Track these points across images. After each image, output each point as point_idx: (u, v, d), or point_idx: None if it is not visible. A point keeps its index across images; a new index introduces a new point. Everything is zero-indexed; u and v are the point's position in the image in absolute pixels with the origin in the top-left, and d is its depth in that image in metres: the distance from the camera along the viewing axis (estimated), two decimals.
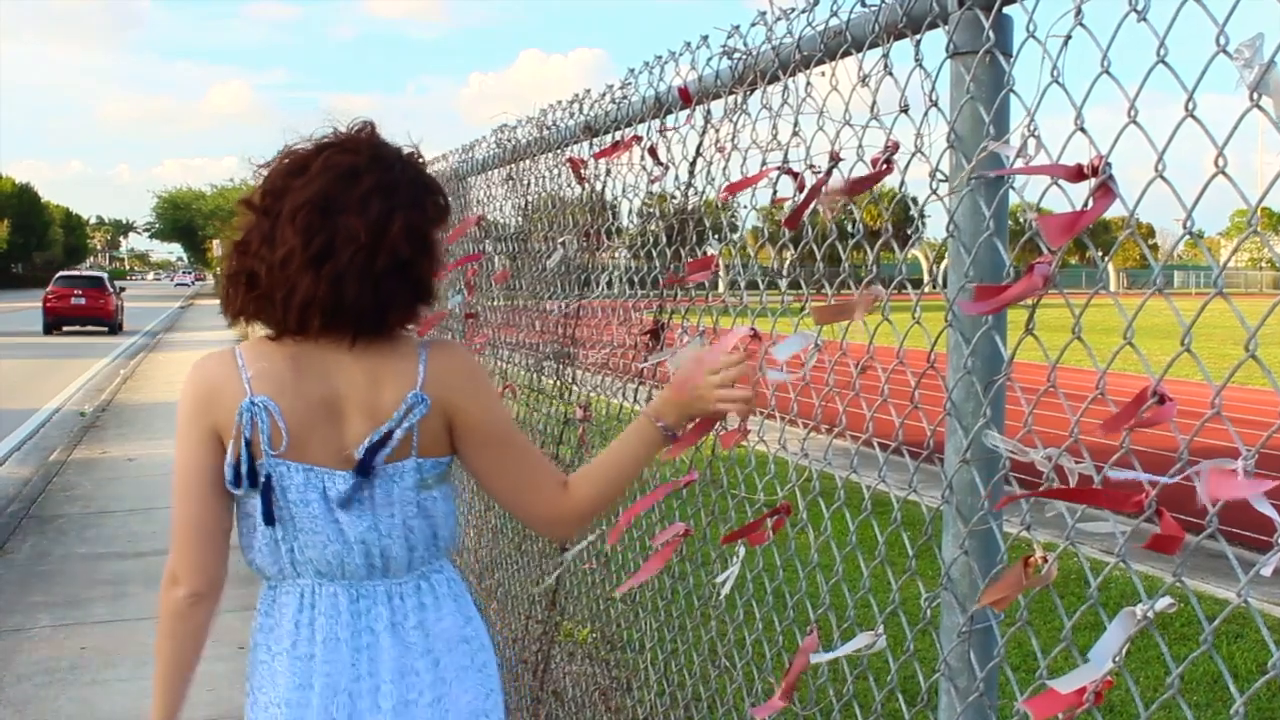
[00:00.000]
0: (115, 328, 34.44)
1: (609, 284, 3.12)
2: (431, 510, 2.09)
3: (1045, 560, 1.43)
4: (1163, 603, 1.28)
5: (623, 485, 2.16)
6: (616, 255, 3.21)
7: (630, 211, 3.06)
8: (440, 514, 2.11)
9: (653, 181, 2.76)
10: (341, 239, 1.92)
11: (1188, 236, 1.30)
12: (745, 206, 2.36)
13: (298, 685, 2.06)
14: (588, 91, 3.16)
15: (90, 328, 34.16)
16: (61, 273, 36.65)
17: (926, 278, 2.00)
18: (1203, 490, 1.15)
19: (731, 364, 2.00)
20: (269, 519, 2.01)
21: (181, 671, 2.19)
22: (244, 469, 1.97)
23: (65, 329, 33.94)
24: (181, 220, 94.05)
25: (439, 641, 2.11)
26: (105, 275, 37.71)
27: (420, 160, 2.11)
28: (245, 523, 2.07)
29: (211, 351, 2.11)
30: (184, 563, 2.07)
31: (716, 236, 2.62)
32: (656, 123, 2.72)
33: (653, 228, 2.87)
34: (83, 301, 33.77)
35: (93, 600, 7.20)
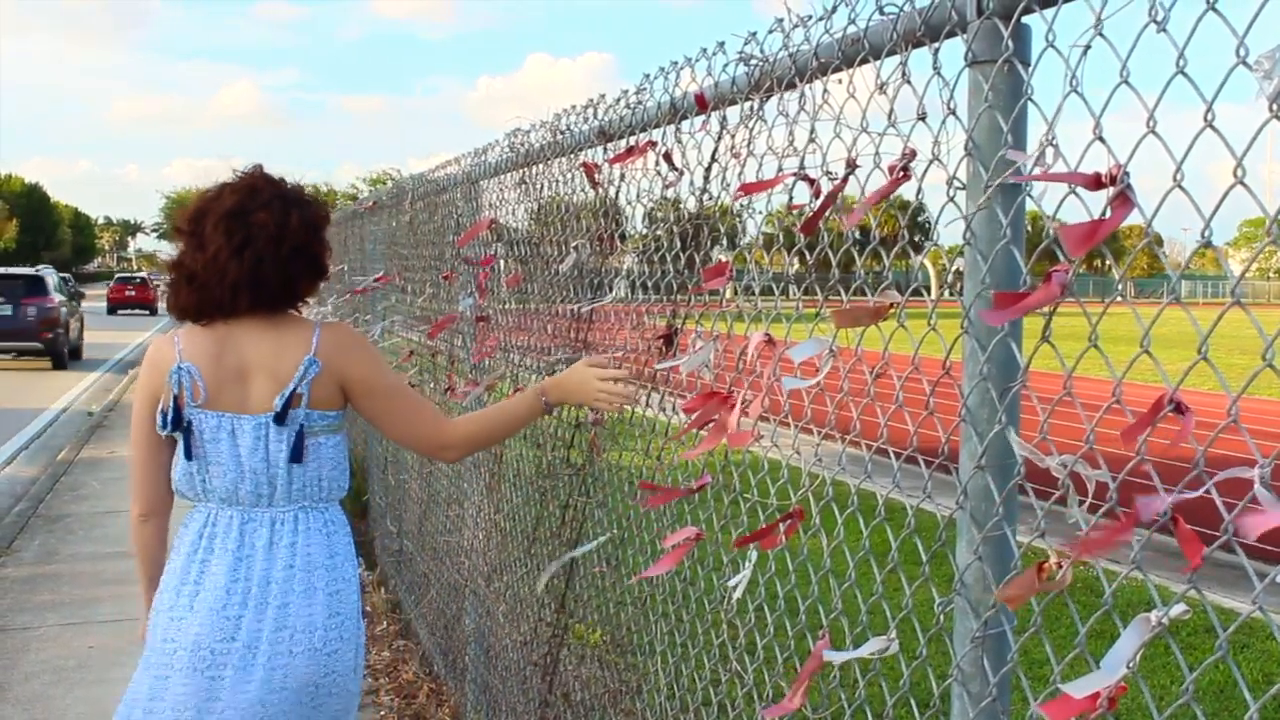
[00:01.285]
0: (154, 310, 48.66)
1: (622, 288, 3.13)
2: (317, 454, 2.75)
3: (1060, 566, 1.44)
4: (1177, 609, 1.28)
5: (498, 434, 2.96)
6: (629, 260, 3.22)
7: (644, 216, 3.07)
8: (326, 459, 2.77)
9: (667, 187, 2.77)
10: (255, 231, 2.65)
11: (1200, 246, 1.31)
12: (760, 212, 2.37)
13: (193, 579, 2.68)
14: (602, 96, 3.17)
15: (137, 311, 49.78)
16: (118, 275, 56.36)
17: (935, 286, 2.01)
18: (1248, 529, 1.15)
19: (616, 373, 2.71)
20: (189, 455, 2.70)
21: (151, 569, 2.86)
22: (170, 416, 2.68)
23: (120, 312, 49.55)
24: None
25: (301, 562, 2.72)
26: (149, 275, 56.83)
27: (309, 203, 2.83)
28: (176, 461, 2.74)
29: (159, 335, 2.87)
30: (136, 492, 2.83)
31: (730, 243, 2.63)
32: (672, 128, 2.73)
33: (661, 234, 2.88)
34: (133, 294, 50.93)
35: (100, 599, 7.22)
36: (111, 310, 49.50)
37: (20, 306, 22.14)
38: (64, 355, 23.33)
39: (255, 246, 2.64)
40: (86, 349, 26.72)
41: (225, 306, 2.68)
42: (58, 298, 23.26)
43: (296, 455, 2.70)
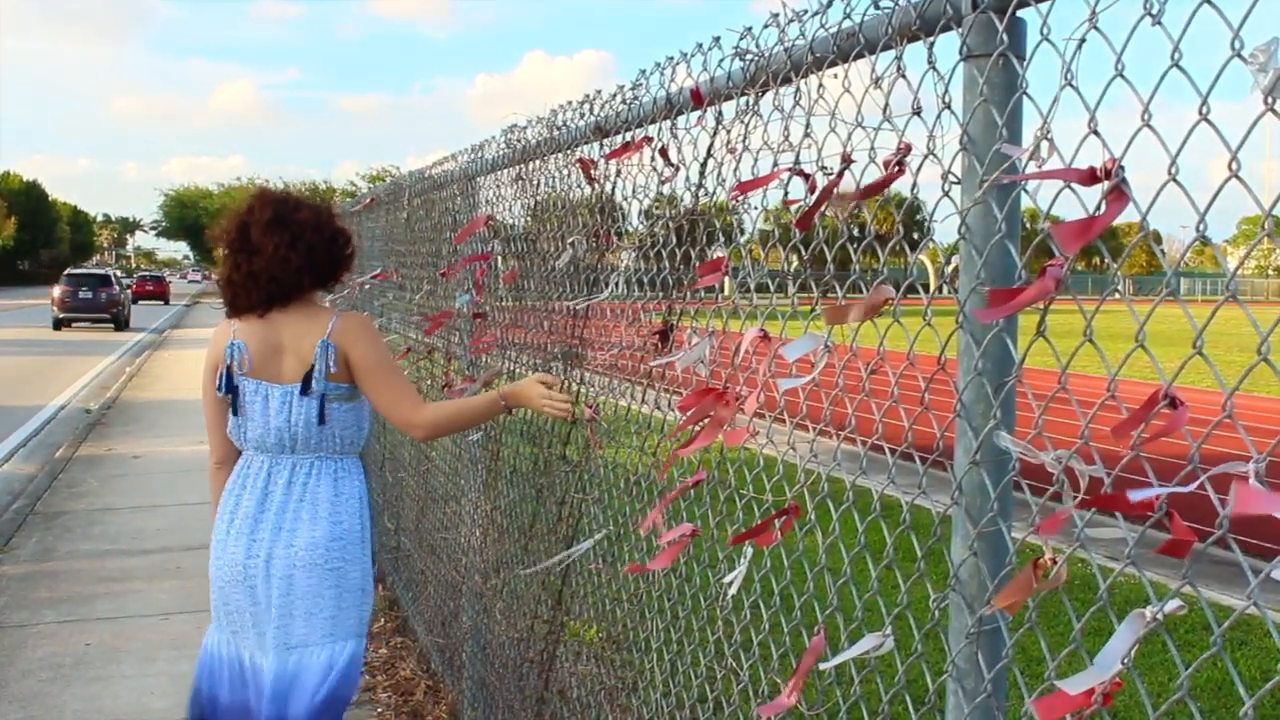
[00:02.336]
0: (167, 300, 63.02)
1: (618, 285, 3.12)
2: (336, 416, 3.46)
3: (1055, 562, 1.43)
4: (1172, 605, 1.28)
5: (461, 424, 3.62)
6: (625, 256, 3.21)
7: (640, 212, 3.07)
8: (338, 420, 3.47)
9: (663, 182, 2.76)
10: (299, 228, 3.42)
11: (1197, 242, 1.31)
12: (756, 208, 2.36)
13: (229, 511, 3.50)
14: (598, 92, 3.16)
15: (155, 301, 61.36)
16: (139, 271, 65.81)
17: (933, 283, 2.00)
18: (1232, 505, 1.14)
19: (559, 394, 3.33)
20: (235, 411, 3.48)
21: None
22: (224, 381, 3.46)
23: (141, 301, 58.12)
24: (188, 219, 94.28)
25: (309, 497, 3.46)
26: (164, 273, 71.32)
27: (318, 200, 3.74)
28: (228, 416, 3.52)
29: (221, 321, 3.61)
30: (211, 444, 3.64)
31: (725, 239, 2.62)
32: (668, 124, 2.72)
33: (659, 230, 2.87)
34: (152, 288, 62.55)
35: (97, 597, 7.22)
36: (135, 300, 54.61)
37: (97, 292, 36.70)
38: (123, 322, 37.95)
39: (304, 239, 3.41)
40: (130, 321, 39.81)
41: (290, 291, 3.43)
42: (117, 288, 38.01)
43: (320, 418, 3.43)
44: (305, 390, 3.39)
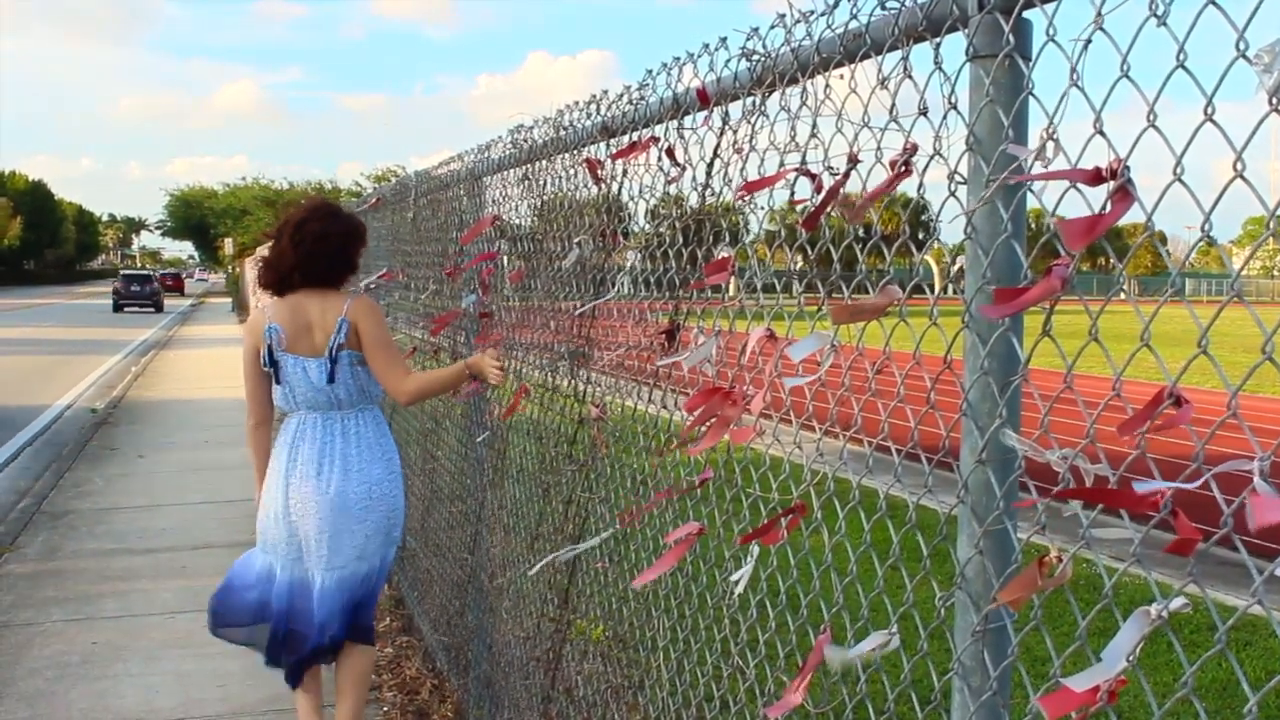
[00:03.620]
0: (183, 292, 77.76)
1: (625, 284, 3.13)
2: (359, 377, 4.41)
3: (1060, 560, 1.44)
4: (1177, 603, 1.28)
5: (435, 390, 4.53)
6: (631, 256, 3.22)
7: (646, 212, 3.07)
8: (363, 377, 4.42)
9: (670, 182, 2.77)
10: (307, 236, 4.37)
11: (1202, 242, 1.31)
12: (762, 207, 2.37)
13: (288, 460, 4.39)
14: (605, 92, 3.17)
15: (175, 294, 71.43)
16: (160, 270, 78.40)
17: (938, 284, 2.01)
18: (1252, 520, 1.15)
19: (500, 362, 4.25)
20: (278, 381, 4.40)
21: (261, 461, 4.55)
22: (266, 357, 4.36)
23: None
24: (193, 218, 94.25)
25: (363, 441, 4.43)
26: (181, 272, 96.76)
27: (338, 206, 4.75)
28: (274, 387, 4.43)
29: (256, 308, 4.90)
30: (250, 408, 4.51)
31: (732, 239, 2.63)
32: (674, 124, 2.73)
33: (665, 230, 2.88)
34: (171, 283, 75.14)
35: (103, 596, 7.23)
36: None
37: (144, 286, 54.10)
38: (160, 306, 54.09)
39: (306, 244, 4.36)
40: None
41: (287, 282, 4.41)
42: (155, 283, 55.64)
43: (351, 378, 4.37)
44: (334, 359, 4.33)
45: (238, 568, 4.54)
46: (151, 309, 53.28)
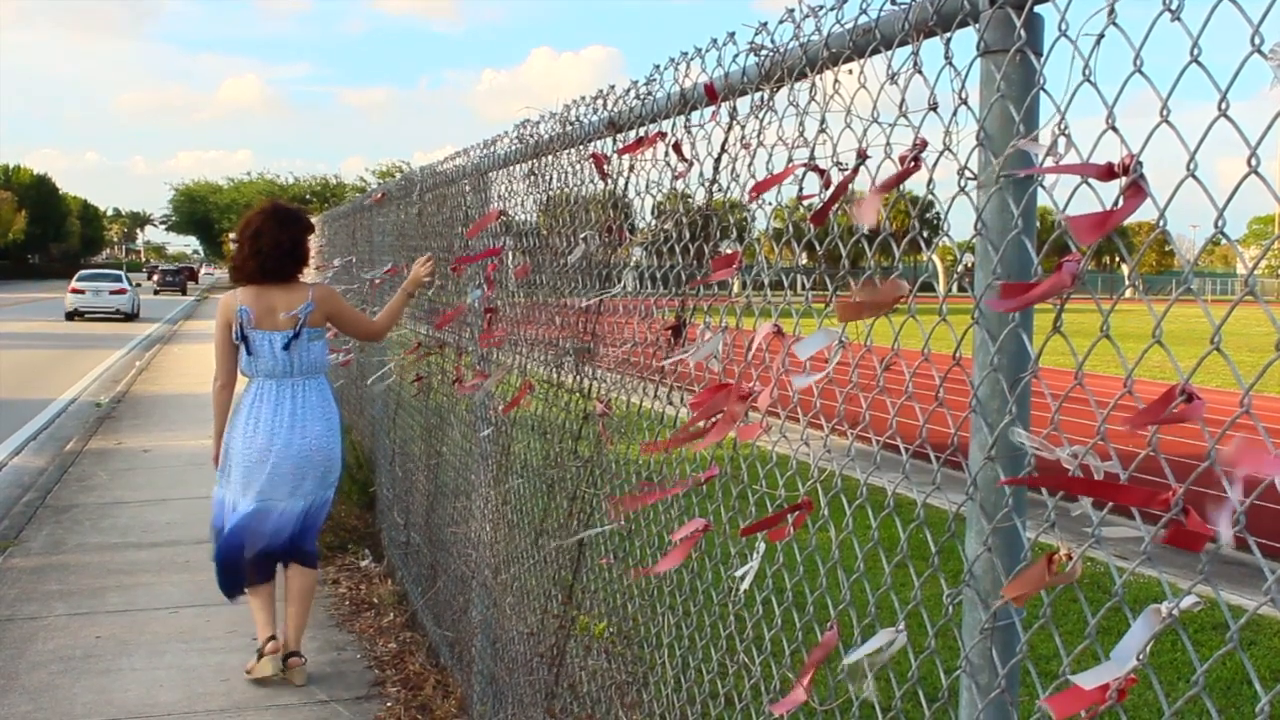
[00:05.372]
0: (197, 280, 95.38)
1: (630, 280, 3.12)
2: (313, 350, 5.54)
3: (1069, 557, 1.43)
4: (1188, 600, 1.28)
5: (394, 315, 5.97)
6: (637, 251, 3.21)
7: (652, 208, 3.07)
8: (317, 351, 5.58)
9: (677, 178, 2.76)
10: (262, 238, 5.49)
11: (1213, 239, 1.31)
12: (770, 203, 2.36)
13: (249, 417, 5.48)
14: (612, 87, 3.16)
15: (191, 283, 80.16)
16: (178, 266, 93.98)
17: (943, 283, 2.00)
18: (1231, 455, 1.14)
19: (427, 267, 5.77)
20: (249, 352, 5.46)
21: (222, 416, 5.62)
22: (237, 332, 5.42)
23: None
24: (198, 213, 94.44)
25: (309, 404, 5.54)
26: (192, 266, 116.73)
27: (288, 209, 5.77)
28: (241, 357, 5.49)
29: (228, 292, 5.63)
30: (218, 372, 5.55)
31: (739, 235, 2.62)
32: (681, 119, 2.72)
33: (668, 226, 2.87)
34: (188, 275, 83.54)
35: (107, 589, 7.24)
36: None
37: (176, 276, 75.73)
38: (185, 290, 72.48)
39: (264, 250, 5.48)
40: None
41: (249, 277, 5.52)
42: (183, 275, 78.28)
43: (307, 352, 5.54)
44: (296, 335, 5.47)
45: (215, 508, 5.69)
46: (179, 292, 71.37)
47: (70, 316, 38.31)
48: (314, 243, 10.05)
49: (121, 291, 39.47)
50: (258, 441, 5.45)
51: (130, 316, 39.38)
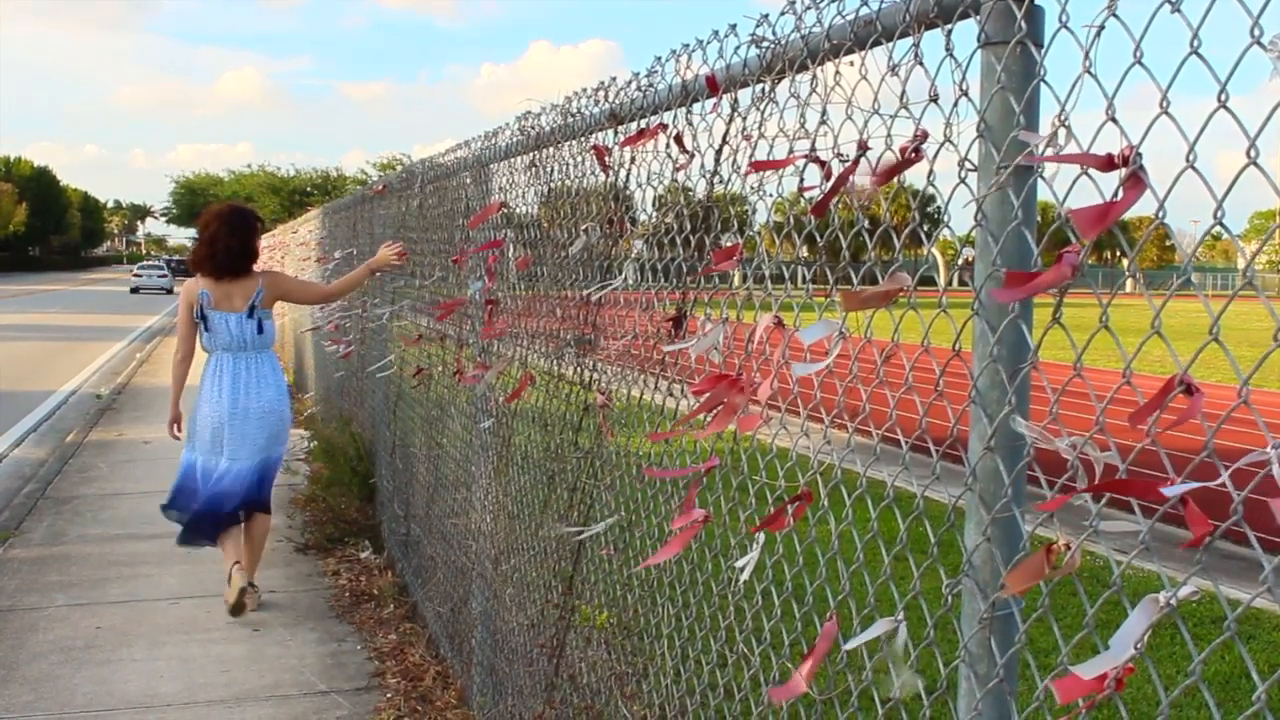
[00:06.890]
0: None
1: (632, 272, 3.13)
2: (264, 329, 6.61)
3: (1068, 549, 1.44)
4: (1185, 590, 1.28)
5: (346, 288, 7.27)
6: (639, 244, 3.21)
7: (654, 200, 3.07)
8: (268, 330, 6.65)
9: (678, 169, 2.76)
10: (216, 236, 6.50)
11: (1209, 236, 1.31)
12: (771, 194, 2.36)
13: (214, 388, 6.55)
14: (613, 79, 3.16)
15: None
16: (178, 258, 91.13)
17: (943, 276, 2.01)
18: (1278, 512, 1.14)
19: (396, 251, 6.75)
20: (208, 329, 6.52)
21: (179, 386, 6.83)
22: (198, 312, 6.50)
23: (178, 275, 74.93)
24: (198, 205, 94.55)
25: (263, 374, 6.61)
26: (183, 259, 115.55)
27: (240, 211, 6.80)
28: (201, 333, 6.56)
29: (191, 278, 6.70)
30: (179, 346, 6.66)
31: (740, 227, 2.62)
32: (683, 111, 2.72)
33: (669, 220, 2.87)
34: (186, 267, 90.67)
35: (107, 580, 7.25)
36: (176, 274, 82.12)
37: (161, 270, 73.26)
38: (171, 291, 64.78)
39: (219, 253, 6.44)
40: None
41: (206, 273, 6.47)
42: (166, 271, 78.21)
43: (260, 329, 6.55)
44: (250, 315, 6.49)
45: (183, 469, 6.69)
46: (165, 292, 75.23)
47: (134, 291, 63.17)
48: (313, 236, 11.91)
49: (164, 275, 68.12)
50: (222, 405, 6.46)
51: (169, 290, 62.73)
